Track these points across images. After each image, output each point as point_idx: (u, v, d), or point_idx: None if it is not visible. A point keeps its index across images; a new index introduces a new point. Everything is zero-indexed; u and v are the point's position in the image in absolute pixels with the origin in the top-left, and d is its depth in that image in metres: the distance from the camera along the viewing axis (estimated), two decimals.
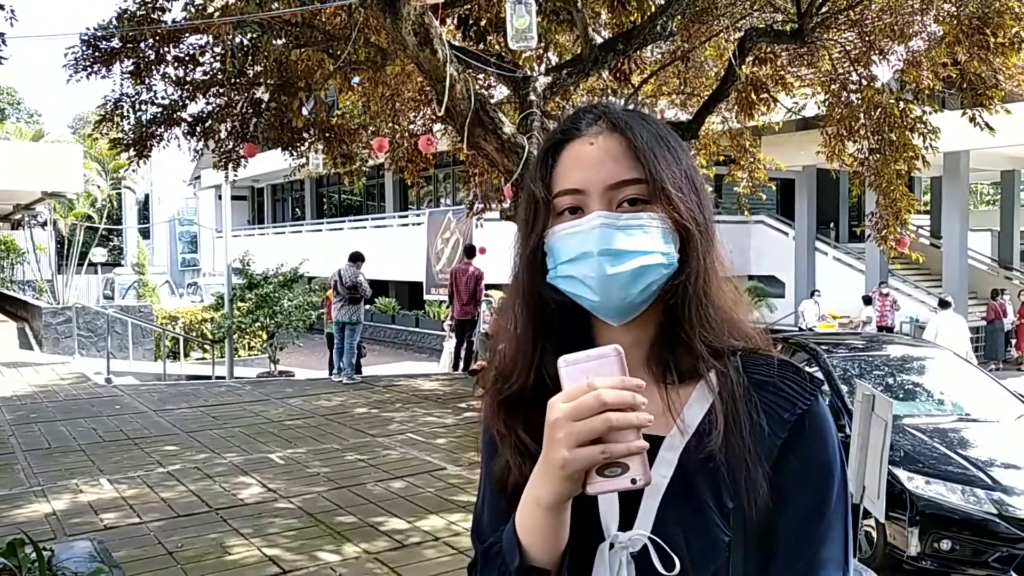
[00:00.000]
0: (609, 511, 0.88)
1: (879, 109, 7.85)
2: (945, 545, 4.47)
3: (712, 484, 0.86)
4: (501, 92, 8.83)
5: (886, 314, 14.79)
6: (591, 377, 0.77)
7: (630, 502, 0.87)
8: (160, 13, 7.73)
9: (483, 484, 1.02)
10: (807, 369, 1.01)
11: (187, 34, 8.05)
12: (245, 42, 8.11)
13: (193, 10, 7.70)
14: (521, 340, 0.95)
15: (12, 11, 7.00)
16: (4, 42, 7.07)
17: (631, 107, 1.01)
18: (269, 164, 17.51)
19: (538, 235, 0.93)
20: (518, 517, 0.85)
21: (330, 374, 11.99)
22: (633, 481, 0.76)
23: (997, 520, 4.40)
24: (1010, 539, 4.37)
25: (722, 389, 0.88)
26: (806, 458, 0.88)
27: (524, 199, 0.96)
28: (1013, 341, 15.92)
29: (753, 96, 8.62)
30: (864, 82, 8.21)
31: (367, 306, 11.71)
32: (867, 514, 4.23)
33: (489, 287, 12.02)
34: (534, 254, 0.93)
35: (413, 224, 22.67)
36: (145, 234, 37.21)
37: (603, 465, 0.76)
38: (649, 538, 0.85)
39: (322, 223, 28.06)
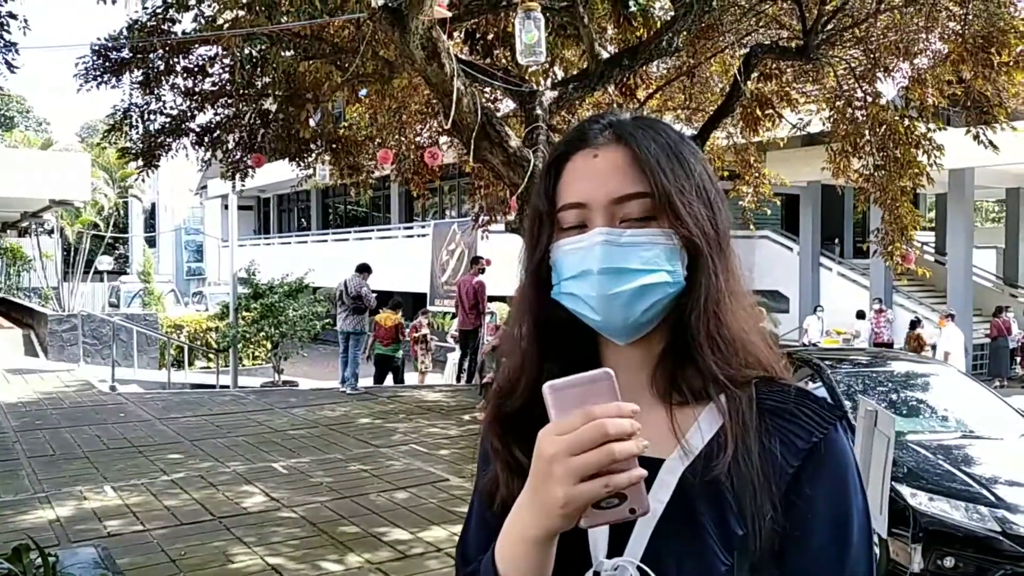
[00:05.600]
0: (598, 536, 0.84)
1: (884, 126, 7.87)
2: (948, 562, 4.45)
3: (715, 509, 0.81)
4: (507, 106, 8.88)
5: (882, 330, 14.77)
6: (587, 405, 0.72)
7: (622, 527, 0.82)
8: (170, 24, 7.80)
9: (473, 501, 0.99)
10: (824, 396, 0.97)
11: (196, 45, 8.12)
12: (254, 54, 8.16)
13: (203, 22, 7.78)
14: (525, 355, 0.92)
15: (25, 20, 7.10)
16: (17, 51, 7.16)
17: (641, 114, 0.97)
18: (276, 175, 17.57)
19: (542, 249, 0.90)
20: (499, 549, 0.81)
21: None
22: (632, 511, 0.73)
23: (1001, 538, 4.38)
24: (1013, 557, 4.35)
25: (732, 412, 0.84)
26: (822, 489, 0.82)
27: (529, 212, 0.94)
28: (1018, 359, 15.89)
29: (758, 112, 8.65)
30: (869, 99, 8.24)
31: (371, 317, 11.81)
32: None
33: (493, 299, 12.04)
34: (538, 268, 0.91)
35: (418, 236, 22.72)
36: (151, 243, 37.34)
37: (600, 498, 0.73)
38: (637, 566, 0.81)
39: (328, 234, 28.13)
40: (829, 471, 0.83)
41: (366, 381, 12.01)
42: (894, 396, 5.94)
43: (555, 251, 0.89)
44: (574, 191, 0.87)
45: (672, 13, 6.54)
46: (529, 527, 0.76)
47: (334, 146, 9.58)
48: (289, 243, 29.51)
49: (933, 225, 20.32)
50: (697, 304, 0.85)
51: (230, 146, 9.30)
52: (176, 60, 8.19)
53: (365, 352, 12.13)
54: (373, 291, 10.99)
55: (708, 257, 0.86)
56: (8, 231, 23.86)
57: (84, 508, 5.50)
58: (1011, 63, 7.33)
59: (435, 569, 4.44)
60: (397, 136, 9.73)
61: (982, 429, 5.56)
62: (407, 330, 13.11)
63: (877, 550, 4.75)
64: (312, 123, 9.10)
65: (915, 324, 14.35)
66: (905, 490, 4.62)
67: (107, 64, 7.85)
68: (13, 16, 7.01)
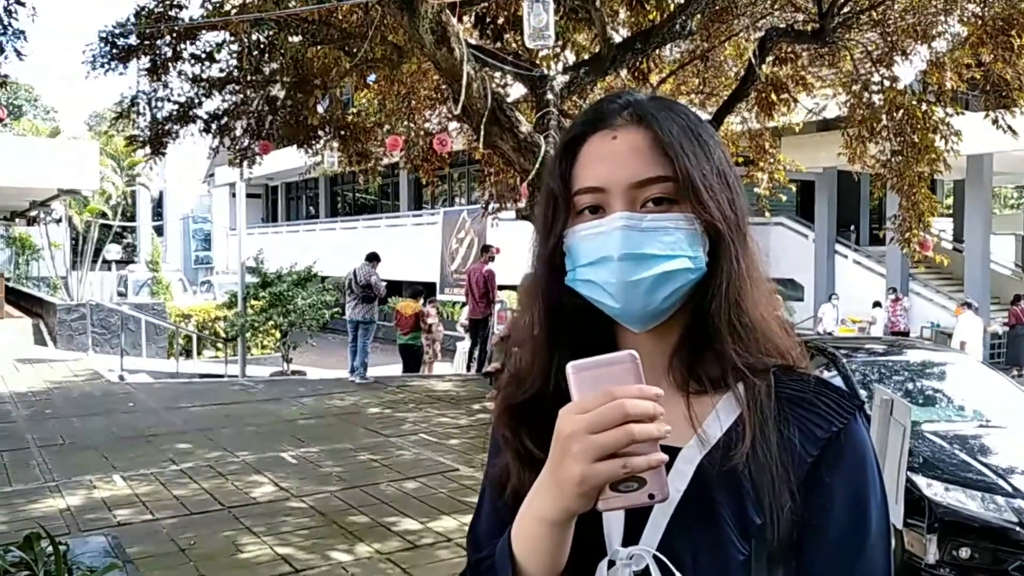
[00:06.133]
0: (613, 525, 0.82)
1: (901, 110, 7.75)
2: (964, 553, 4.41)
3: (734, 499, 0.80)
4: (518, 91, 8.80)
5: (898, 319, 14.66)
6: (609, 386, 0.71)
7: (637, 516, 0.81)
8: (177, 10, 7.75)
9: (484, 489, 0.98)
10: (844, 386, 0.94)
11: (204, 31, 8.07)
12: (261, 40, 8.11)
13: (210, 7, 7.72)
14: (537, 344, 0.90)
15: (34, 9, 7.05)
16: (25, 39, 7.13)
17: (657, 94, 0.94)
18: (284, 162, 17.58)
19: (557, 235, 0.87)
20: (515, 532, 0.80)
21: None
22: (651, 496, 0.72)
23: (1017, 528, 4.34)
24: None
25: (750, 401, 0.82)
26: (841, 478, 0.82)
27: (542, 195, 0.90)
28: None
29: (773, 96, 8.53)
30: (886, 83, 8.11)
31: (381, 306, 11.80)
32: None
33: (503, 288, 12.00)
34: (552, 254, 0.88)
35: (428, 223, 22.67)
36: (159, 231, 37.46)
37: (618, 479, 0.72)
38: (653, 555, 0.80)
39: (336, 222, 28.14)
40: (848, 460, 0.82)
41: (382, 370, 12.04)
42: (910, 385, 5.88)
43: (571, 236, 0.86)
44: (592, 174, 0.84)
45: None
46: (546, 507, 0.75)
47: (342, 133, 9.53)
48: (297, 231, 29.55)
49: (951, 212, 20.15)
50: (718, 291, 0.83)
51: (238, 133, 9.27)
52: (183, 46, 8.14)
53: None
54: (382, 280, 10.96)
55: (729, 242, 0.84)
56: (17, 220, 23.93)
57: (94, 497, 5.50)
58: None
59: (445, 559, 4.41)
60: (406, 122, 9.66)
61: (999, 419, 5.49)
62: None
63: (893, 540, 4.70)
64: (320, 109, 9.05)
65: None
66: (921, 480, 4.58)
67: (115, 51, 7.80)
68: (21, 3, 6.97)
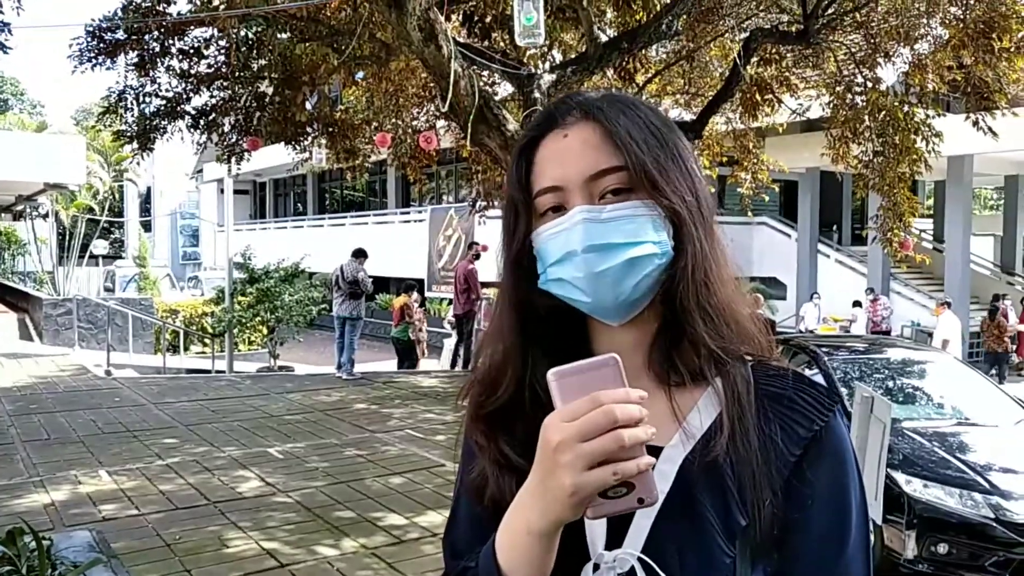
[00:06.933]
0: (596, 529, 0.81)
1: (883, 112, 7.83)
2: (942, 549, 4.47)
3: (717, 499, 0.80)
4: (505, 89, 8.83)
5: (879, 319, 14.78)
6: (593, 391, 0.70)
7: (620, 519, 0.79)
8: (165, 5, 7.73)
9: (457, 493, 0.97)
10: (819, 380, 0.95)
11: (192, 27, 8.05)
12: (250, 36, 8.10)
13: (198, 3, 7.71)
14: (509, 350, 0.89)
15: (18, 1, 7.00)
16: (10, 32, 7.08)
17: (606, 90, 0.95)
18: (272, 158, 17.52)
19: (521, 240, 0.87)
20: (500, 542, 0.78)
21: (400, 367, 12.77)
22: (640, 501, 0.71)
23: (994, 524, 4.40)
24: (1007, 543, 4.37)
25: (727, 391, 0.82)
26: (823, 474, 0.82)
27: (504, 203, 0.91)
28: (1014, 347, 15.90)
29: (757, 97, 8.60)
30: (869, 84, 8.19)
31: (368, 302, 11.80)
32: None
33: (486, 285, 12.02)
34: (520, 259, 0.88)
35: (415, 221, 22.64)
36: (147, 227, 37.24)
37: (608, 486, 0.70)
38: (638, 558, 0.79)
39: (324, 219, 28.03)
40: (829, 457, 0.83)
41: (370, 366, 12.05)
42: (890, 383, 5.94)
43: (537, 239, 0.86)
44: (548, 175, 0.85)
45: None
46: (534, 518, 0.74)
47: (330, 129, 9.53)
48: (285, 228, 29.41)
49: (931, 212, 20.31)
50: (685, 273, 0.83)
51: (226, 129, 9.24)
52: (171, 42, 8.12)
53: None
54: (370, 276, 10.96)
55: (691, 225, 0.84)
56: (3, 215, 23.76)
57: (79, 492, 5.48)
58: (1012, 49, 7.28)
59: (430, 554, 4.44)
60: (394, 120, 9.67)
61: (977, 416, 5.57)
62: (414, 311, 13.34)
63: (872, 536, 4.76)
64: (308, 106, 9.05)
65: (994, 312, 13.23)
66: (900, 477, 4.63)
67: (102, 45, 7.77)
68: None
